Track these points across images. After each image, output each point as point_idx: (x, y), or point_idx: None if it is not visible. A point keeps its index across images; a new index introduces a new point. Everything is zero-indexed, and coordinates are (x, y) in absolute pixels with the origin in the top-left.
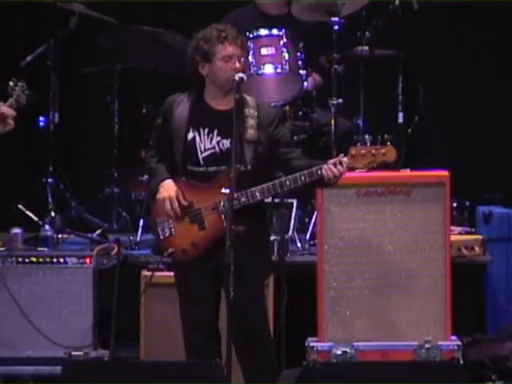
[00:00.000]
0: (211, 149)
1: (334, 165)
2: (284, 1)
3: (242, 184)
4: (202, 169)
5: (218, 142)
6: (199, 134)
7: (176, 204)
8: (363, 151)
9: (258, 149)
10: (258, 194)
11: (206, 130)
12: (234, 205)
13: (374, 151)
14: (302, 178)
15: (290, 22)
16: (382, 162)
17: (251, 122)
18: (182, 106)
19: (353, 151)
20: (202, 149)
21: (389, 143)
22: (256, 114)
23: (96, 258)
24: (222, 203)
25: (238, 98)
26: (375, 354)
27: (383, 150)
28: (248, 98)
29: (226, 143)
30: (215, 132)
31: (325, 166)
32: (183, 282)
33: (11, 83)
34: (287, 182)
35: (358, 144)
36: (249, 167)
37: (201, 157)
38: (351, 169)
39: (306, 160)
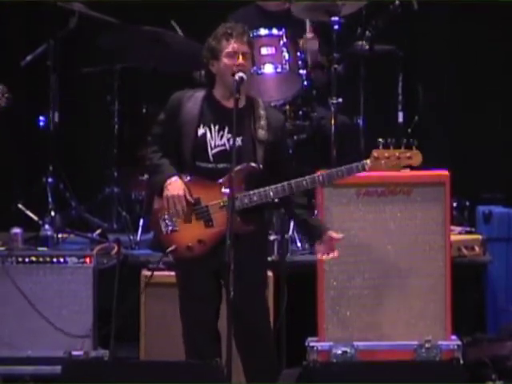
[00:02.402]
0: (221, 146)
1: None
2: (285, 0)
3: (254, 182)
4: (211, 165)
5: (228, 140)
6: (210, 131)
7: (184, 203)
8: (386, 154)
9: (267, 149)
10: (271, 193)
11: (217, 127)
12: (245, 203)
13: (398, 154)
14: (320, 178)
15: (290, 18)
16: (407, 166)
17: (262, 122)
18: (192, 101)
19: (375, 154)
20: (213, 145)
21: (414, 147)
22: (265, 115)
23: (96, 258)
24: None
25: (246, 97)
26: (375, 354)
27: (408, 154)
28: (257, 99)
29: (237, 141)
30: (226, 129)
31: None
32: (186, 281)
33: None
34: (304, 183)
35: (380, 146)
36: (260, 166)
37: (211, 153)
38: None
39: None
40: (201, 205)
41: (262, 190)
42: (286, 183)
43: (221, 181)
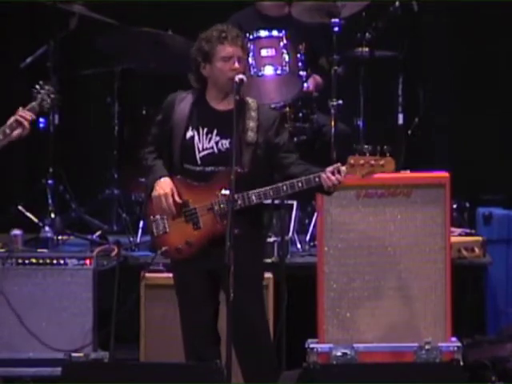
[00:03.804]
0: (209, 148)
1: (332, 173)
2: (283, 1)
3: (238, 186)
4: (198, 168)
5: (216, 142)
6: (198, 133)
7: (171, 201)
8: (362, 161)
9: (256, 151)
10: (254, 197)
11: (206, 130)
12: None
13: (373, 162)
14: (300, 184)
15: (290, 22)
16: (381, 173)
17: (251, 124)
18: (183, 103)
19: (351, 160)
20: (200, 148)
21: (388, 154)
22: (257, 116)
23: (96, 260)
24: (217, 204)
25: (239, 100)
26: (375, 356)
27: (382, 162)
28: (250, 100)
29: (225, 143)
30: (214, 132)
31: (323, 175)
32: (181, 283)
33: (37, 86)
34: (284, 188)
35: (356, 154)
36: (246, 169)
37: (198, 156)
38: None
39: (303, 166)
40: (189, 207)
41: (245, 193)
42: (268, 188)
43: (209, 183)
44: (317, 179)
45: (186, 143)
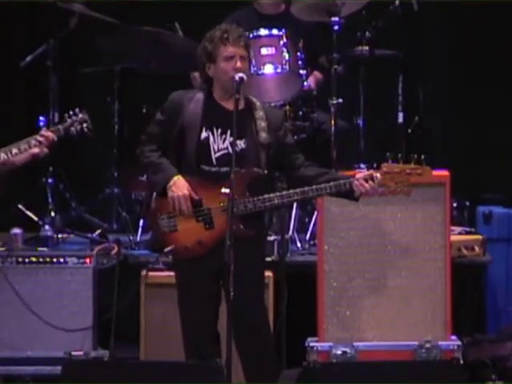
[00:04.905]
0: (224, 149)
1: (366, 180)
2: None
3: (256, 188)
4: (214, 169)
5: (231, 143)
6: (213, 134)
7: (189, 202)
8: (396, 169)
9: (269, 152)
10: (276, 200)
11: (220, 131)
12: (249, 209)
13: (408, 170)
14: (328, 189)
15: (288, 20)
16: (417, 182)
17: (262, 124)
18: (192, 103)
19: (384, 168)
20: (216, 149)
21: (424, 163)
22: (265, 115)
23: (96, 258)
24: (235, 206)
25: (246, 99)
26: (375, 354)
27: (419, 170)
28: (254, 100)
29: (240, 144)
30: (228, 132)
31: (355, 182)
32: (186, 281)
33: (71, 111)
34: (310, 193)
35: (390, 161)
36: (265, 171)
37: (214, 157)
38: (382, 186)
39: (316, 169)
40: (202, 207)
41: (266, 196)
42: (292, 191)
43: (224, 184)
44: (347, 185)
45: (202, 144)
